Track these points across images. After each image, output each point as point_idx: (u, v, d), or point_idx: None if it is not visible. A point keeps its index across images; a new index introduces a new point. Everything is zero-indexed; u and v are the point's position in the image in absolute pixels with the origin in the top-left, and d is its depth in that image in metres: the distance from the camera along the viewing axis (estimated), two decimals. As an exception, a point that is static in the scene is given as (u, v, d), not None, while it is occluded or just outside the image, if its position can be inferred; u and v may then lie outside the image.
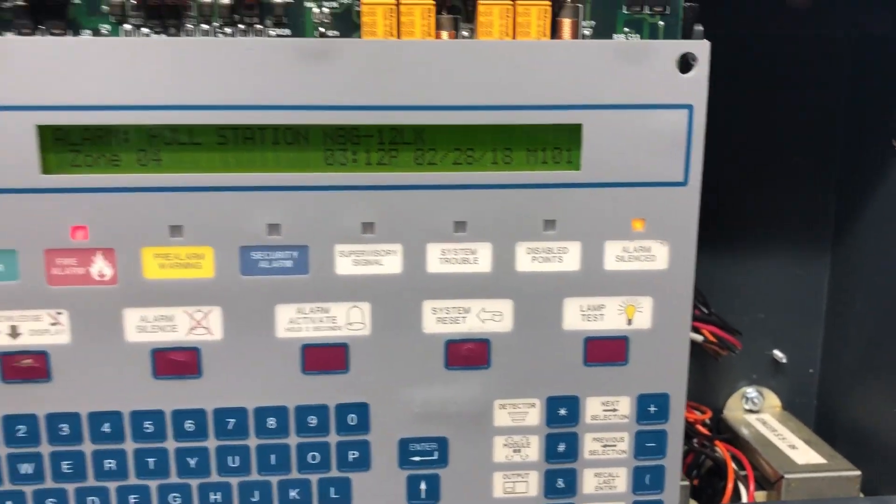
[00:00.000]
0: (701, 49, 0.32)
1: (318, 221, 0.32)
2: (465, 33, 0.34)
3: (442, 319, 0.34)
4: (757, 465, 0.46)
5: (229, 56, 0.31)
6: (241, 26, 0.33)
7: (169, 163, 0.32)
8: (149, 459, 0.34)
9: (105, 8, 0.32)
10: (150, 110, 0.31)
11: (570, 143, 0.33)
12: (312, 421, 0.34)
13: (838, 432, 0.49)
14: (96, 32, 0.33)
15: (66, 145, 0.31)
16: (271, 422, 0.34)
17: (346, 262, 0.33)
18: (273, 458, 0.34)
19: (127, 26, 0.33)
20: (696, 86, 0.33)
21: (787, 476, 0.43)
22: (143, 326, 0.33)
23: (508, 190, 0.33)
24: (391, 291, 0.33)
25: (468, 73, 0.32)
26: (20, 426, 0.33)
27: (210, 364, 0.33)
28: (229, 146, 0.32)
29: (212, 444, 0.34)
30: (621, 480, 0.36)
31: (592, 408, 0.35)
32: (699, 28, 0.35)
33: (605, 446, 0.36)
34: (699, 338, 0.45)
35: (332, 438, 0.34)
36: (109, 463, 0.34)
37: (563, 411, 0.35)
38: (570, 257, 0.34)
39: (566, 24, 0.33)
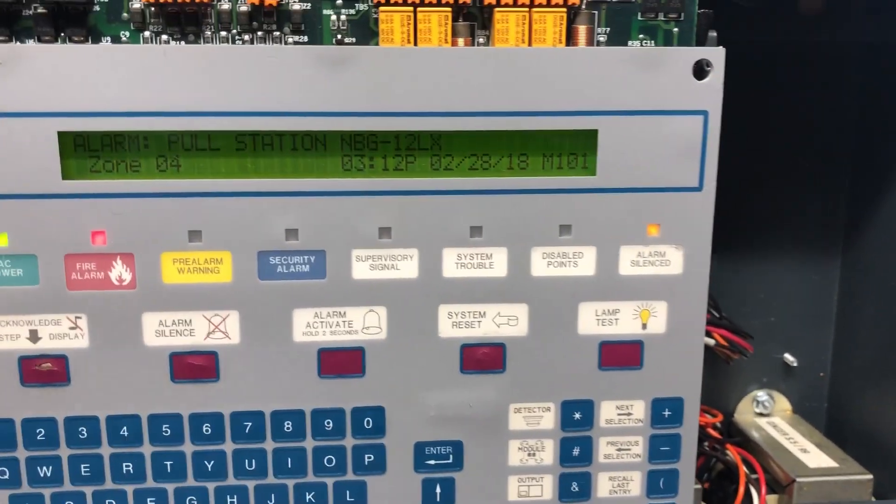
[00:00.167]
0: (716, 56, 0.33)
1: (335, 226, 0.33)
2: (480, 40, 0.34)
3: (457, 324, 0.34)
4: (768, 469, 0.46)
5: (249, 63, 0.31)
6: (260, 33, 0.33)
7: (188, 168, 0.32)
8: (166, 462, 0.34)
9: (125, 15, 0.33)
10: (169, 117, 0.31)
11: (585, 148, 0.33)
12: (329, 424, 0.34)
13: (849, 436, 0.49)
14: (116, 40, 0.33)
15: (86, 151, 0.32)
16: (288, 425, 0.34)
17: (363, 267, 0.33)
18: (289, 461, 0.34)
19: (146, 33, 0.33)
20: (711, 92, 0.33)
21: (798, 480, 0.43)
22: (162, 331, 0.33)
23: (524, 195, 0.33)
24: (407, 296, 0.34)
25: (484, 80, 0.32)
26: (39, 429, 0.33)
27: (227, 368, 0.33)
28: (248, 152, 0.32)
29: (229, 447, 0.34)
30: (635, 484, 0.36)
31: (607, 412, 0.35)
32: (713, 34, 0.35)
33: (619, 450, 0.36)
34: (710, 341, 0.45)
35: (348, 442, 0.35)
36: (127, 466, 0.34)
37: (577, 415, 0.35)
38: (585, 262, 0.34)
39: (581, 30, 0.34)
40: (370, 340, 0.34)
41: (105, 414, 0.33)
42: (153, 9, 0.33)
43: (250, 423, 0.34)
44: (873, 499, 0.44)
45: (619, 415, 0.35)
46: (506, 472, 0.36)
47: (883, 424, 0.46)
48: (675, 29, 0.35)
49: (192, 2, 0.32)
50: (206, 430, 0.34)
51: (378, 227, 0.33)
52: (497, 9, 0.33)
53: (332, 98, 0.32)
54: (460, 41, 0.33)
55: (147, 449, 0.34)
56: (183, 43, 0.33)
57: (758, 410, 0.51)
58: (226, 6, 0.33)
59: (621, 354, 0.35)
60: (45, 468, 0.33)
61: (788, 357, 0.51)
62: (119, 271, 0.32)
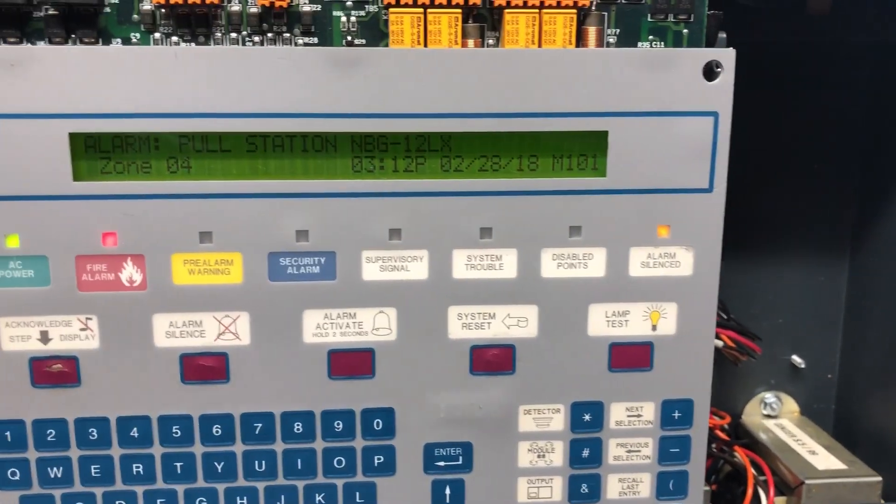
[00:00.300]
0: (726, 57, 0.33)
1: (345, 228, 0.33)
2: (490, 41, 0.34)
3: (467, 325, 0.34)
4: (776, 471, 0.46)
5: (260, 65, 0.31)
6: (270, 35, 0.33)
7: (198, 170, 0.32)
8: (176, 464, 0.34)
9: (135, 17, 0.33)
10: (180, 118, 0.31)
11: (596, 149, 0.33)
12: (339, 425, 0.34)
13: (857, 438, 0.49)
14: (126, 41, 0.33)
15: (97, 153, 0.32)
16: (298, 426, 0.34)
17: (373, 268, 0.33)
18: (299, 462, 0.34)
19: (157, 35, 0.33)
20: (721, 93, 0.33)
21: (808, 482, 0.43)
22: (172, 332, 0.33)
23: (534, 196, 0.33)
24: (417, 297, 0.34)
25: (495, 82, 0.32)
26: (50, 430, 0.33)
27: (238, 369, 0.33)
28: (258, 153, 0.32)
29: (238, 448, 0.34)
30: (645, 486, 0.36)
31: (617, 413, 0.35)
32: (723, 35, 0.35)
33: (629, 452, 0.36)
34: (719, 343, 0.45)
35: (358, 443, 0.35)
36: (137, 467, 0.34)
37: (587, 417, 0.35)
38: (595, 263, 0.34)
39: (591, 31, 0.34)
40: (380, 342, 0.34)
41: (115, 415, 0.33)
42: (163, 10, 0.33)
43: (260, 425, 0.34)
44: (882, 501, 0.44)
45: (628, 416, 0.35)
46: (515, 474, 0.35)
47: (891, 426, 0.46)
48: (685, 30, 0.35)
49: (202, 3, 0.32)
50: (217, 432, 0.34)
51: (388, 228, 0.33)
52: (507, 10, 0.33)
53: (342, 99, 0.32)
54: (470, 42, 0.33)
55: (157, 450, 0.34)
56: (193, 44, 0.33)
57: (765, 412, 0.51)
58: (236, 8, 0.33)
59: (631, 356, 0.35)
60: (55, 469, 0.34)
61: (796, 359, 0.51)
62: (130, 272, 0.32)
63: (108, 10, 0.33)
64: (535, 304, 0.34)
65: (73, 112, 0.31)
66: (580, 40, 0.34)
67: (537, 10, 0.33)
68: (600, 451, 0.35)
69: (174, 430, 0.34)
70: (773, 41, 0.46)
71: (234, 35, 0.33)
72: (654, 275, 0.34)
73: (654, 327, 0.35)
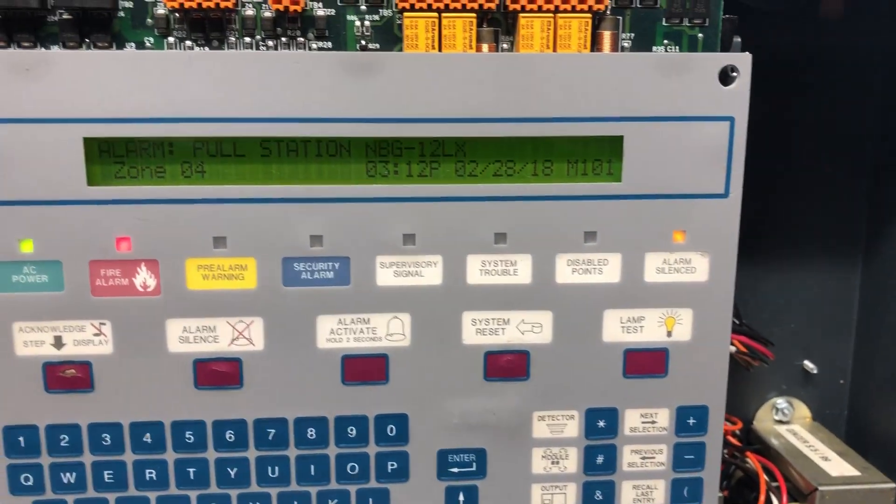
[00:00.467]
0: (742, 62, 0.32)
1: (359, 233, 0.33)
2: (505, 45, 0.34)
3: (481, 331, 0.34)
4: (789, 477, 0.45)
5: (274, 69, 0.31)
6: (284, 39, 0.33)
7: (213, 175, 0.32)
8: (189, 469, 0.34)
9: (149, 21, 0.33)
10: (194, 123, 0.31)
11: (611, 154, 0.33)
12: (352, 431, 0.34)
13: (870, 444, 0.49)
14: (140, 45, 0.33)
15: (111, 157, 0.32)
16: (311, 432, 0.34)
17: (387, 274, 0.33)
18: (312, 468, 0.34)
19: (170, 39, 0.33)
20: (737, 98, 0.33)
21: (821, 488, 0.43)
22: (186, 337, 0.33)
23: (549, 202, 0.33)
24: (431, 302, 0.33)
25: (509, 86, 0.32)
26: (63, 435, 0.33)
27: (251, 375, 0.33)
28: (273, 158, 0.32)
29: (252, 454, 0.34)
30: (659, 493, 0.36)
31: (631, 420, 0.35)
32: (737, 40, 0.35)
33: (643, 458, 0.35)
34: (731, 348, 0.45)
35: (372, 449, 0.34)
36: (150, 472, 0.34)
37: (601, 423, 0.35)
38: (610, 269, 0.34)
39: (606, 36, 0.34)
40: (394, 347, 0.34)
41: (128, 420, 0.33)
42: (177, 15, 0.33)
43: (274, 431, 0.34)
44: (896, 507, 0.43)
45: (643, 423, 0.35)
46: (529, 480, 0.35)
47: (905, 432, 0.46)
48: (700, 34, 0.34)
49: (216, 8, 0.32)
50: (230, 437, 0.34)
51: (402, 233, 0.33)
52: (522, 14, 0.33)
53: (356, 104, 0.32)
54: (485, 47, 0.33)
55: (170, 456, 0.34)
56: (207, 49, 0.33)
57: (777, 418, 0.51)
58: (250, 12, 0.33)
59: (646, 362, 0.34)
60: (68, 474, 0.33)
61: (808, 364, 0.50)
62: (143, 277, 0.32)
63: (122, 14, 0.33)
64: (550, 310, 0.34)
65: (87, 117, 0.31)
66: (595, 44, 0.34)
67: (552, 15, 0.33)
68: (615, 457, 0.35)
69: (187, 436, 0.34)
70: (786, 45, 0.46)
71: (248, 39, 0.33)
72: (670, 280, 0.34)
73: (669, 333, 0.34)
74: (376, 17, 0.33)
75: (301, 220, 0.32)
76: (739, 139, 0.33)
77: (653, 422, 0.35)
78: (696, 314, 0.34)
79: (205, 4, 0.32)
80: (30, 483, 0.33)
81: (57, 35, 0.32)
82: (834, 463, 0.45)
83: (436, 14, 0.32)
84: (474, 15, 0.33)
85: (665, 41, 0.34)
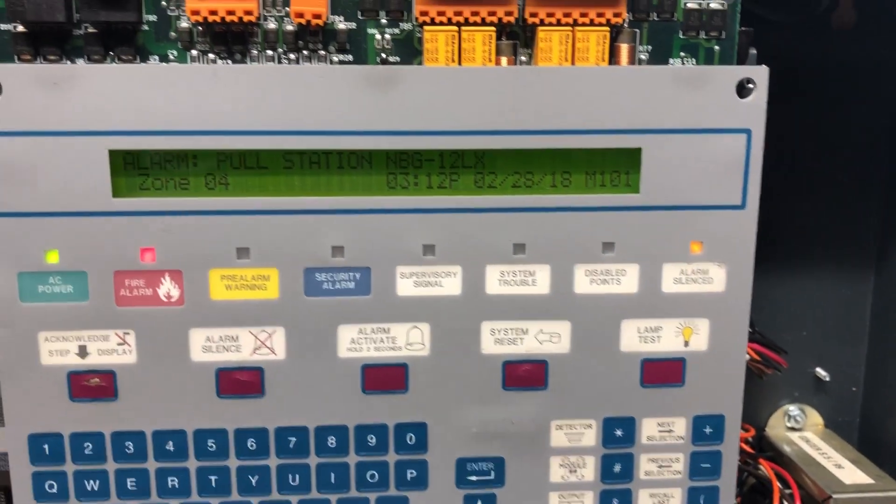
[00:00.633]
0: (759, 74, 0.33)
1: (380, 244, 0.33)
2: (523, 58, 0.34)
3: (500, 340, 0.34)
4: (802, 484, 0.45)
5: (298, 83, 0.31)
6: (305, 52, 0.34)
7: (236, 186, 0.32)
8: (211, 477, 0.34)
9: (173, 34, 0.33)
10: (218, 135, 0.32)
11: (629, 166, 0.33)
12: (372, 440, 0.35)
13: (882, 451, 0.49)
14: (164, 58, 0.33)
15: (136, 169, 0.32)
16: (332, 440, 0.34)
17: (407, 284, 0.33)
18: (333, 476, 0.35)
19: (194, 52, 0.33)
20: (754, 110, 0.33)
21: (835, 496, 0.43)
22: (209, 346, 0.33)
23: (567, 213, 0.33)
24: (450, 312, 0.34)
25: (528, 99, 0.32)
26: (87, 443, 0.34)
27: (273, 383, 0.34)
28: (295, 170, 0.33)
29: (273, 462, 0.34)
30: (676, 501, 0.36)
31: (648, 429, 0.35)
32: (753, 52, 0.35)
33: (660, 467, 0.36)
34: (744, 356, 0.45)
35: (391, 457, 0.35)
36: (173, 480, 0.34)
37: (619, 432, 0.35)
38: (628, 279, 0.34)
39: (624, 48, 0.34)
40: (413, 356, 0.34)
41: (151, 429, 0.34)
42: (200, 28, 0.33)
43: (294, 439, 0.34)
44: (909, 516, 0.44)
45: (660, 432, 0.35)
46: (547, 489, 0.36)
47: (918, 440, 0.46)
48: (717, 47, 0.35)
49: (238, 21, 0.33)
50: (251, 446, 0.34)
51: (422, 244, 0.33)
52: (540, 27, 0.33)
53: (378, 117, 0.32)
54: (503, 60, 0.34)
55: (192, 464, 0.34)
56: (229, 62, 0.33)
57: (789, 425, 0.51)
58: (272, 25, 0.33)
59: (663, 372, 0.35)
60: (92, 482, 0.34)
61: (820, 371, 0.51)
62: (167, 288, 0.33)
63: (146, 27, 0.33)
64: (568, 320, 0.34)
65: (113, 129, 0.31)
66: (612, 57, 0.34)
67: (570, 28, 0.33)
68: (632, 466, 0.36)
69: (209, 444, 0.34)
70: (799, 55, 0.46)
71: (269, 52, 0.34)
72: (687, 291, 0.34)
73: (686, 343, 0.35)
74: (397, 31, 0.34)
75: (323, 231, 0.33)
76: (756, 151, 0.33)
77: (670, 430, 0.35)
78: (712, 324, 0.34)
79: (228, 18, 0.32)
80: (54, 490, 0.34)
81: (82, 48, 0.33)
82: (847, 470, 0.46)
83: (456, 27, 0.33)
84: (493, 28, 0.33)
85: (682, 53, 0.35)
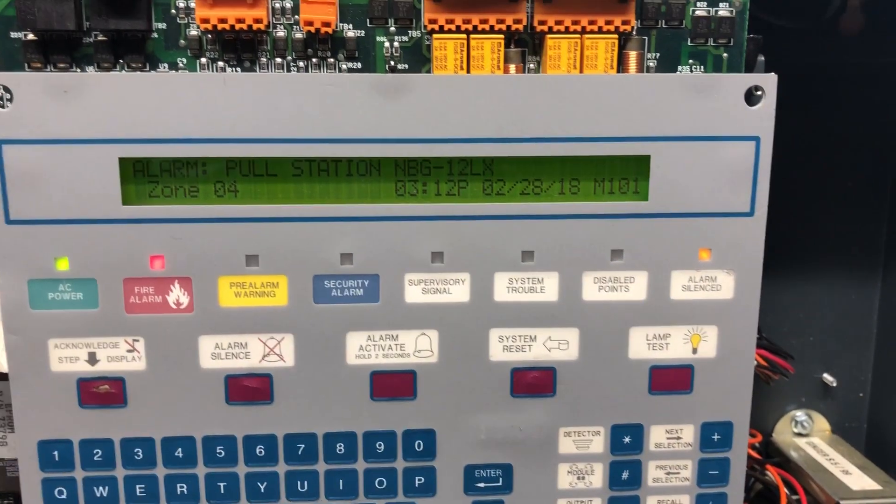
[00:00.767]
0: (768, 82, 0.33)
1: (388, 251, 0.33)
2: (532, 66, 0.34)
3: (508, 348, 0.34)
4: (809, 490, 0.45)
5: (307, 91, 0.31)
6: (314, 60, 0.34)
7: (245, 194, 0.33)
8: (220, 484, 0.34)
9: (182, 42, 0.33)
10: (227, 143, 0.32)
11: (637, 173, 0.33)
12: (380, 447, 0.35)
13: (890, 457, 0.49)
14: (173, 66, 0.33)
15: (146, 177, 0.32)
16: (340, 447, 0.34)
17: (416, 291, 0.34)
18: (341, 482, 0.35)
19: (203, 60, 0.34)
20: (763, 118, 0.33)
21: (843, 502, 0.43)
22: (218, 353, 0.33)
23: (576, 220, 0.33)
24: (459, 320, 0.34)
25: (537, 106, 0.32)
26: (96, 450, 0.34)
27: (282, 390, 0.34)
28: (304, 178, 0.33)
29: (281, 468, 0.34)
30: (684, 508, 0.36)
31: (656, 436, 0.35)
32: (761, 59, 0.35)
33: (668, 474, 0.36)
34: (751, 362, 0.45)
35: (399, 464, 0.35)
36: (181, 487, 0.34)
37: (627, 439, 0.35)
38: (636, 287, 0.34)
39: (632, 56, 0.34)
40: (422, 363, 0.34)
41: (160, 435, 0.34)
42: (210, 36, 0.33)
43: (303, 445, 0.34)
44: (917, 522, 0.44)
45: (668, 439, 0.35)
46: (555, 496, 0.36)
47: (925, 446, 0.46)
48: (725, 54, 0.35)
49: (248, 29, 0.33)
50: (260, 452, 0.34)
51: (431, 251, 0.33)
52: (549, 35, 0.33)
53: (386, 125, 0.32)
54: (512, 68, 0.34)
55: (201, 470, 0.34)
56: (239, 70, 0.34)
57: (796, 430, 0.51)
58: (281, 34, 0.33)
59: (671, 379, 0.35)
60: (101, 488, 0.34)
61: (827, 377, 0.51)
62: (177, 295, 0.33)
63: (155, 35, 0.33)
64: (577, 327, 0.34)
65: (122, 137, 0.31)
66: (621, 65, 0.34)
67: (579, 36, 0.33)
68: (640, 473, 0.36)
69: (218, 451, 0.34)
70: (807, 61, 0.46)
71: (279, 60, 0.34)
72: (695, 298, 0.34)
73: (694, 350, 0.35)
74: (405, 39, 0.34)
75: (331, 239, 0.33)
76: (765, 159, 0.33)
77: (678, 437, 0.35)
78: (721, 331, 0.34)
79: (237, 26, 0.33)
80: (63, 496, 0.34)
81: (92, 57, 0.33)
82: (855, 476, 0.45)
83: (464, 35, 0.33)
84: (502, 36, 0.33)
85: (690, 61, 0.35)
